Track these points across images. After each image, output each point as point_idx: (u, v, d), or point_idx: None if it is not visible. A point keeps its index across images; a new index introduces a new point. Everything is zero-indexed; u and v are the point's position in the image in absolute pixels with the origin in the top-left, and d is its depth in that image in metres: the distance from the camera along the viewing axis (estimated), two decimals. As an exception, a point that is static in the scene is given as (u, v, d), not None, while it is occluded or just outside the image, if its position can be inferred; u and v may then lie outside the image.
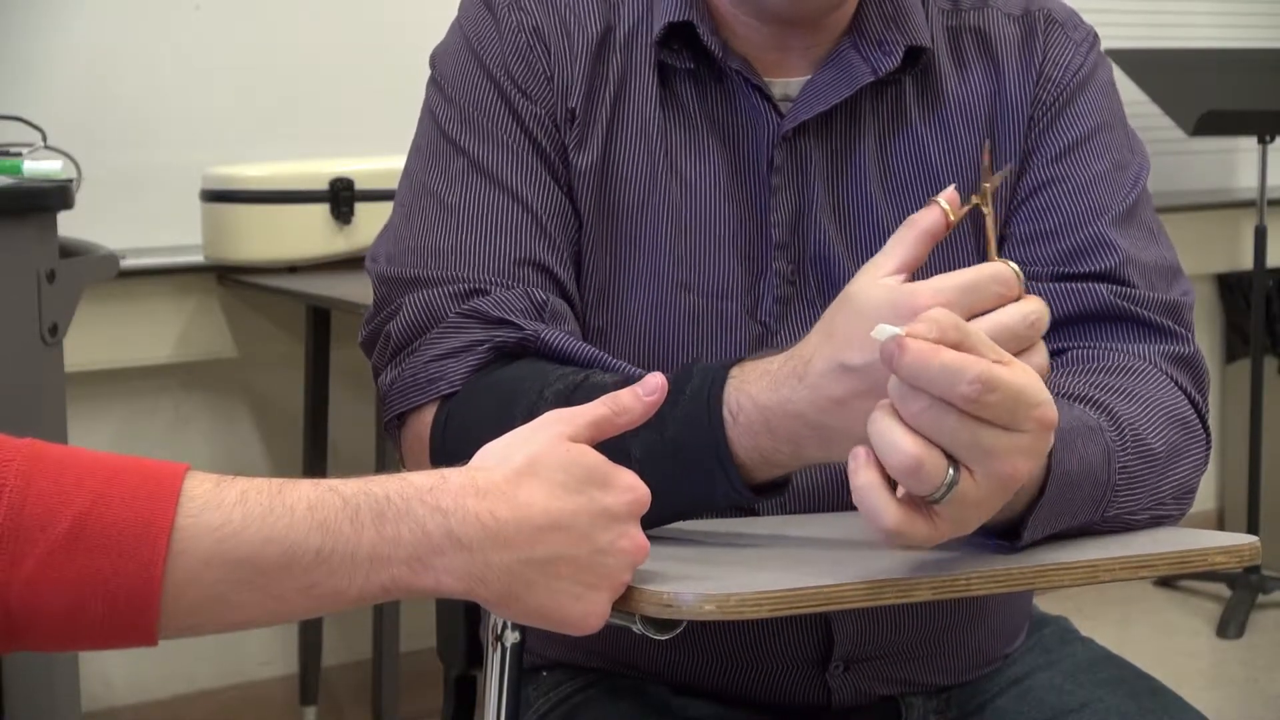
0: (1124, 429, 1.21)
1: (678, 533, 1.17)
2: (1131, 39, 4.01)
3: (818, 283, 1.33)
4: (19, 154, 2.11)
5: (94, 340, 2.69)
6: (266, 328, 2.96)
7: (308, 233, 2.80)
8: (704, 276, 1.32)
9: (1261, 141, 3.83)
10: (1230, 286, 4.25)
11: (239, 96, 2.96)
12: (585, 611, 1.00)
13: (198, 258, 2.85)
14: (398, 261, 1.32)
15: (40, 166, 2.03)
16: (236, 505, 0.93)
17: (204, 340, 2.90)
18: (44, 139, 2.25)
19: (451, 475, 0.99)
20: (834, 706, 1.35)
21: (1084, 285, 1.33)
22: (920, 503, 1.00)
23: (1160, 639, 3.65)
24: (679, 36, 1.34)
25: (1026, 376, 0.99)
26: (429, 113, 1.38)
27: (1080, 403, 1.22)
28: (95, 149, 2.64)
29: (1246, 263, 3.97)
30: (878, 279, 1.06)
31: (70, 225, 2.08)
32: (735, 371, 1.12)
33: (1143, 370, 1.28)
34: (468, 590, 0.97)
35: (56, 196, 1.95)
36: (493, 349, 1.26)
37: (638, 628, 1.06)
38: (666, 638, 1.06)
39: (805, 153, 1.34)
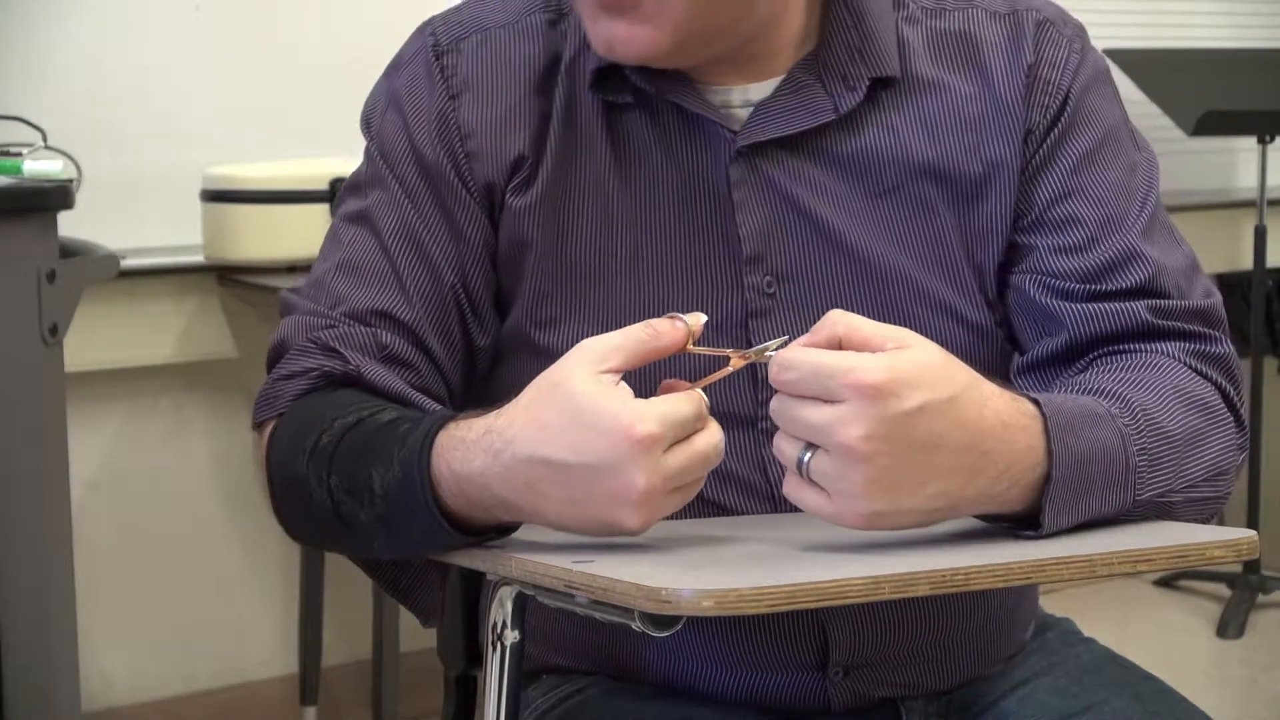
0: (1136, 413, 1.22)
1: (676, 530, 1.17)
2: (1131, 39, 4.01)
3: (802, 290, 1.32)
4: (19, 154, 2.11)
5: (94, 340, 2.68)
6: (266, 328, 2.95)
7: (308, 233, 2.79)
8: (662, 301, 1.31)
9: (1261, 141, 3.83)
10: (1230, 286, 4.25)
11: (239, 96, 2.96)
12: None
13: (198, 258, 2.85)
14: (296, 287, 1.38)
15: (40, 166, 2.03)
16: None
17: (204, 340, 2.90)
18: (44, 139, 2.25)
19: None
20: (833, 709, 1.34)
21: (1121, 305, 1.32)
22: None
23: (1160, 639, 3.64)
24: (617, 71, 1.33)
25: (833, 355, 1.09)
26: (365, 148, 1.41)
27: (1094, 394, 1.24)
28: (95, 149, 2.64)
29: (1246, 263, 3.97)
30: (598, 373, 1.10)
31: (70, 225, 2.08)
32: (439, 438, 1.17)
33: (1162, 364, 1.30)
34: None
35: (56, 196, 1.94)
36: (321, 376, 1.30)
37: (637, 624, 1.06)
38: (665, 634, 1.06)
39: (767, 165, 1.32)
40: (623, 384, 1.11)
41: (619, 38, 1.27)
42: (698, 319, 1.15)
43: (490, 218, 1.34)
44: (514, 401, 1.14)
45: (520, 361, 1.34)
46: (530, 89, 1.34)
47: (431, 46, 1.37)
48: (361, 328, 1.31)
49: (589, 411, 1.09)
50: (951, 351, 1.13)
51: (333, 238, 1.38)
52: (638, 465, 1.08)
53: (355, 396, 1.28)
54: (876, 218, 1.33)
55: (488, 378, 1.37)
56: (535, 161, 1.33)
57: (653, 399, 1.10)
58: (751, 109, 1.33)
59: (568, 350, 1.14)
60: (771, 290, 1.32)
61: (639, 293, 1.32)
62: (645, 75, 1.31)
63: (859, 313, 1.12)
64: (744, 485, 1.31)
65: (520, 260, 1.34)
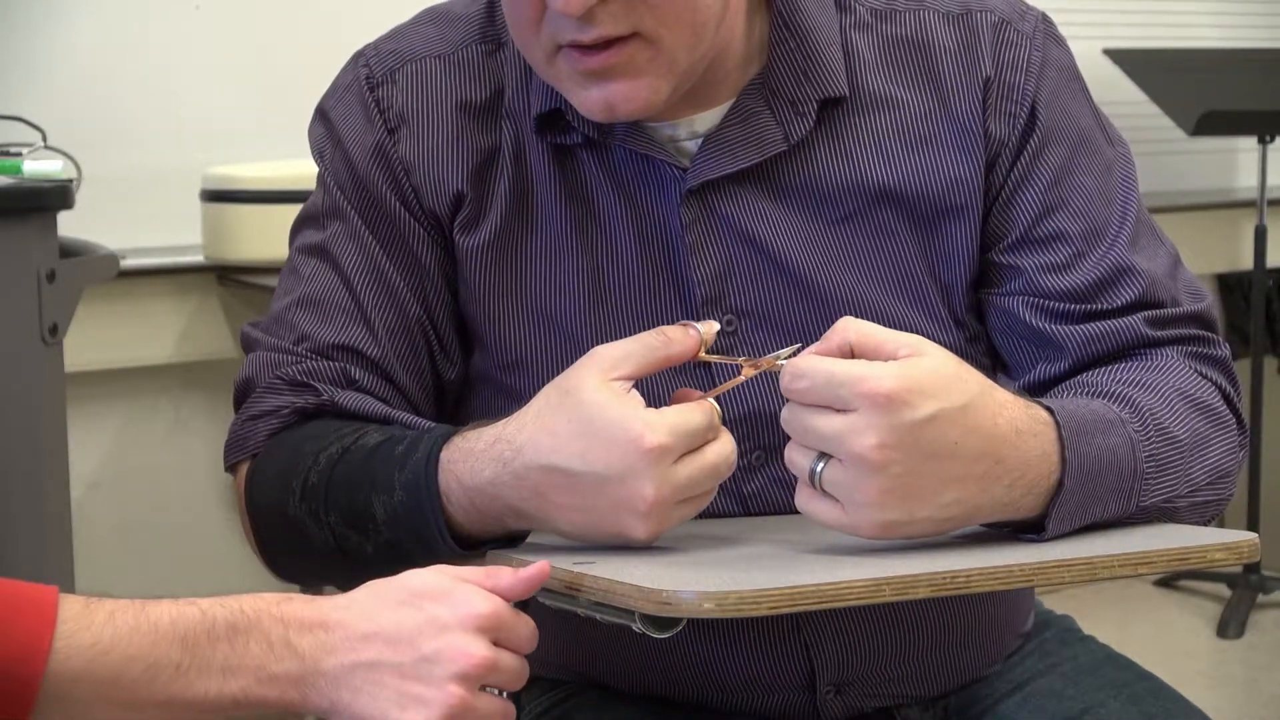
0: (1145, 419, 1.21)
1: (677, 532, 1.17)
2: (1131, 39, 4.01)
3: (760, 328, 1.29)
4: (19, 154, 2.10)
5: (94, 340, 2.69)
6: (266, 328, 2.96)
7: (308, 233, 2.80)
8: None
9: (1261, 141, 3.83)
10: (1230, 286, 4.25)
11: (239, 96, 2.97)
12: None
13: (198, 258, 2.85)
14: (257, 321, 1.37)
15: (40, 166, 2.03)
16: (105, 625, 0.98)
17: (204, 340, 2.90)
18: (44, 139, 2.25)
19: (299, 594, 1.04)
20: None
21: (1119, 322, 1.30)
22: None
23: (1160, 639, 3.65)
24: (561, 114, 1.29)
25: (845, 364, 1.08)
26: (319, 177, 1.38)
27: (1101, 397, 1.23)
28: (95, 149, 2.64)
29: (1246, 263, 3.97)
30: (608, 380, 1.11)
31: (70, 225, 2.08)
32: (445, 452, 1.17)
33: (1164, 365, 1.28)
34: (303, 698, 1.01)
35: (56, 196, 1.94)
36: (294, 413, 1.30)
37: (637, 626, 1.06)
38: (666, 636, 1.06)
39: (720, 201, 1.29)
40: (634, 392, 1.11)
41: (620, 97, 1.21)
42: (710, 326, 1.15)
43: (445, 249, 1.32)
44: (525, 409, 1.14)
45: (489, 397, 1.33)
46: (469, 124, 1.31)
47: (365, 79, 1.34)
48: (329, 362, 1.30)
49: (599, 420, 1.09)
50: None
51: (291, 271, 1.36)
52: (647, 475, 1.08)
53: (329, 426, 1.27)
54: (835, 247, 1.30)
55: (457, 412, 1.36)
56: (479, 201, 1.30)
57: (663, 409, 1.10)
58: (700, 140, 1.29)
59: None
60: (732, 329, 1.29)
61: (600, 337, 1.26)
62: (589, 119, 1.27)
63: None
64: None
65: (477, 302, 1.32)
